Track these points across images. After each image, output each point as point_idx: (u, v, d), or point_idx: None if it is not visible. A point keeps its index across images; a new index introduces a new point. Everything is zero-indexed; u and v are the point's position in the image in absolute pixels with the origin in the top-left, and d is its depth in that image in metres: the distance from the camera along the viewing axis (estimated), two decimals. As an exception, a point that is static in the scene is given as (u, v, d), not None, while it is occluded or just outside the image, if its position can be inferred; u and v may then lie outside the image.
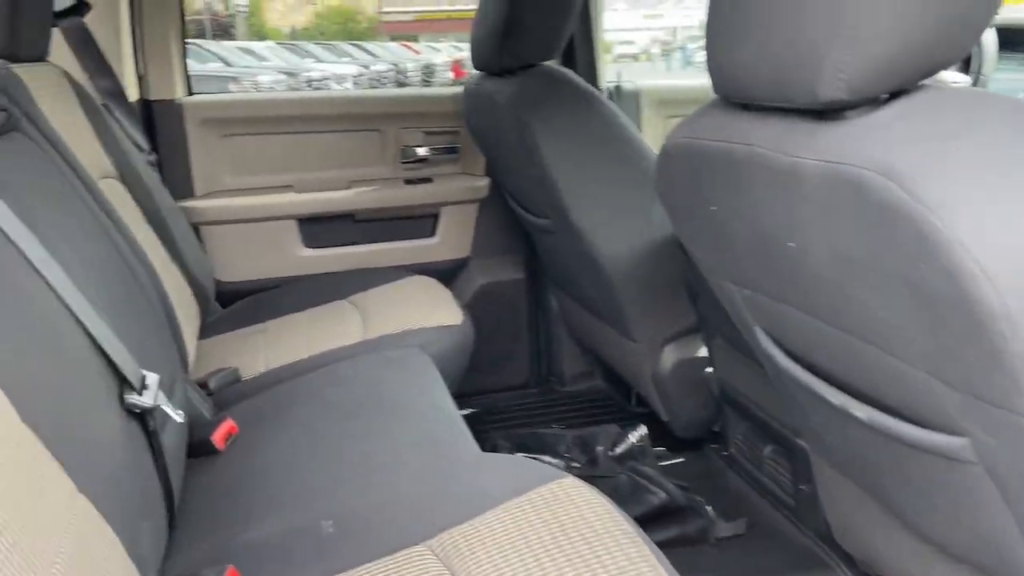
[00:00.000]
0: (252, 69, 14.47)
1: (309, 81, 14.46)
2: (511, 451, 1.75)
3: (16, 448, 0.76)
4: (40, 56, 1.62)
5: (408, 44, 25.74)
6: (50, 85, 1.57)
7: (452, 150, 2.29)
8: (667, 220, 1.25)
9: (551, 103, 1.64)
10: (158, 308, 1.41)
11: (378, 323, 1.77)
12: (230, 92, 11.13)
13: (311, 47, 20.93)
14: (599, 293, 1.81)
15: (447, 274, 2.31)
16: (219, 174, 2.13)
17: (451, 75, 17.35)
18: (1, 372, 0.79)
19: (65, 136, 1.47)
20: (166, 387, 1.27)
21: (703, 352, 1.74)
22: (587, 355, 2.33)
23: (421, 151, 2.25)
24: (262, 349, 1.76)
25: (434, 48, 24.93)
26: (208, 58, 14.74)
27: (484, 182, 2.28)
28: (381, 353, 1.62)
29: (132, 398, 1.02)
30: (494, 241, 2.34)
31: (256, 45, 19.35)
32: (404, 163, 2.26)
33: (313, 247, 2.20)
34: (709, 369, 1.72)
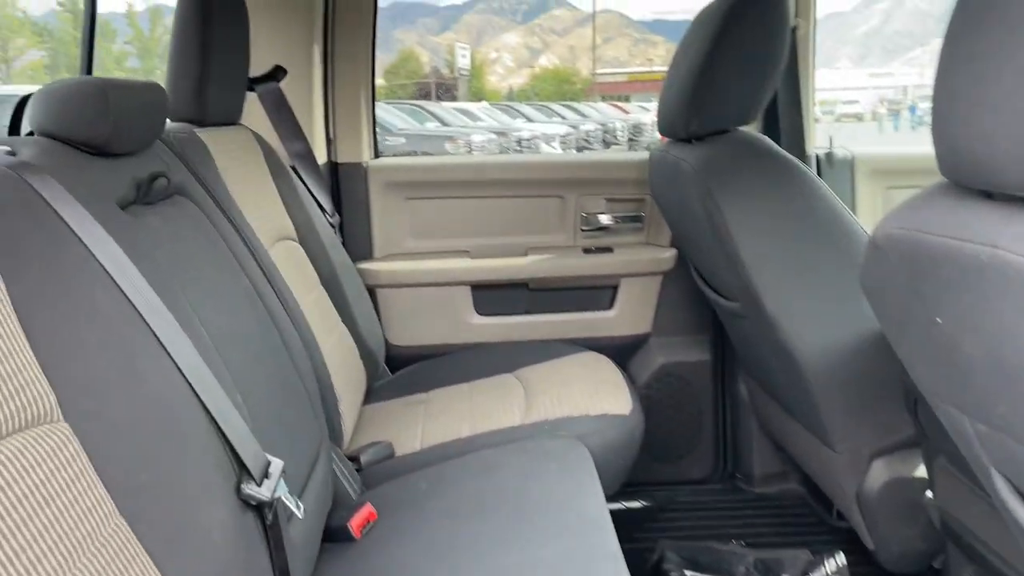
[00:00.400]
0: (467, 129, 15.16)
1: (519, 140, 14.92)
2: (680, 567, 1.53)
3: (106, 544, 0.69)
4: (231, 120, 1.67)
5: (618, 104, 26.10)
6: (237, 147, 1.61)
7: (636, 219, 2.14)
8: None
9: (742, 172, 1.45)
10: (310, 379, 1.36)
11: (541, 404, 1.64)
12: (446, 150, 11.75)
13: (523, 108, 21.70)
14: (795, 391, 1.57)
15: (624, 351, 2.14)
16: (399, 237, 2.11)
17: (660, 135, 17.25)
18: (101, 457, 0.73)
19: (243, 198, 1.49)
20: (303, 467, 1.20)
21: (922, 472, 1.44)
22: (781, 453, 2.06)
23: (603, 219, 2.12)
24: (421, 422, 1.68)
25: (644, 108, 25.07)
26: (427, 118, 15.68)
27: (669, 254, 2.10)
28: (538, 441, 1.48)
29: (250, 488, 0.94)
30: (678, 318, 2.15)
31: (472, 106, 20.35)
32: (584, 231, 2.14)
33: (485, 315, 2.11)
34: (929, 494, 1.42)
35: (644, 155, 2.08)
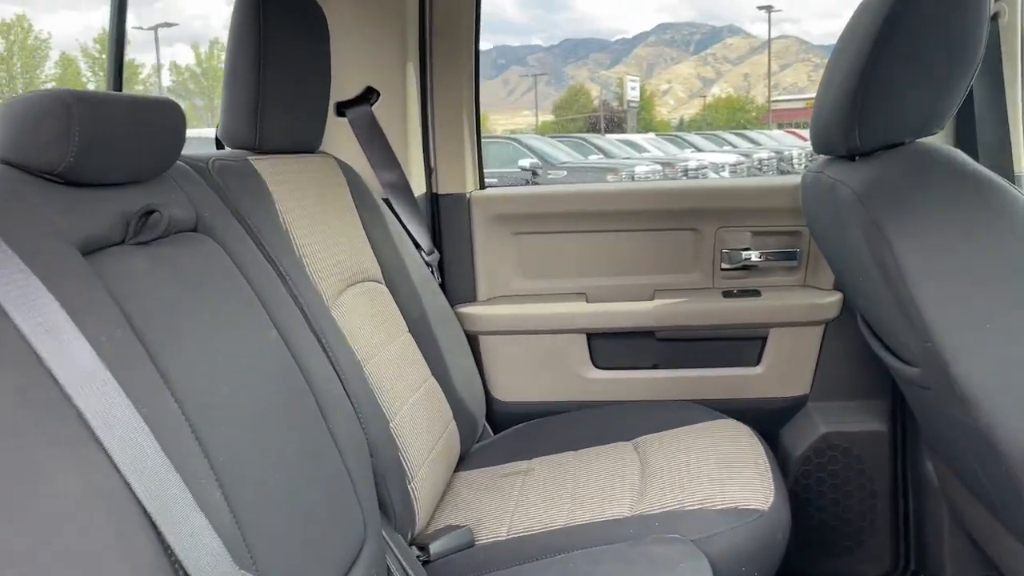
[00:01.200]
0: (631, 160, 14.85)
1: (686, 170, 14.43)
2: None
3: None
4: (308, 147, 1.49)
5: (794, 131, 24.84)
6: (310, 178, 1.42)
7: (790, 255, 1.76)
8: None
9: (922, 197, 1.07)
10: (358, 454, 1.11)
11: (656, 489, 1.32)
12: (607, 181, 11.50)
13: (692, 137, 21.14)
14: (999, 489, 1.15)
15: (774, 417, 1.76)
16: (506, 277, 1.86)
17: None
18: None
19: (308, 234, 1.30)
20: (334, 568, 0.95)
21: None
22: (980, 552, 1.59)
23: (749, 256, 1.76)
24: (515, 499, 1.40)
25: (823, 134, 23.77)
26: (590, 151, 15.53)
27: (833, 299, 1.71)
28: (643, 546, 1.16)
29: None
30: (844, 378, 1.74)
31: (638, 137, 20.04)
32: (725, 270, 1.79)
33: (604, 368, 1.81)
34: None
35: (798, 179, 1.72)
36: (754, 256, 1.76)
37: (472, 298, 1.84)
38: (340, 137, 1.67)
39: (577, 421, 1.69)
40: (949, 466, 1.47)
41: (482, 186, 1.89)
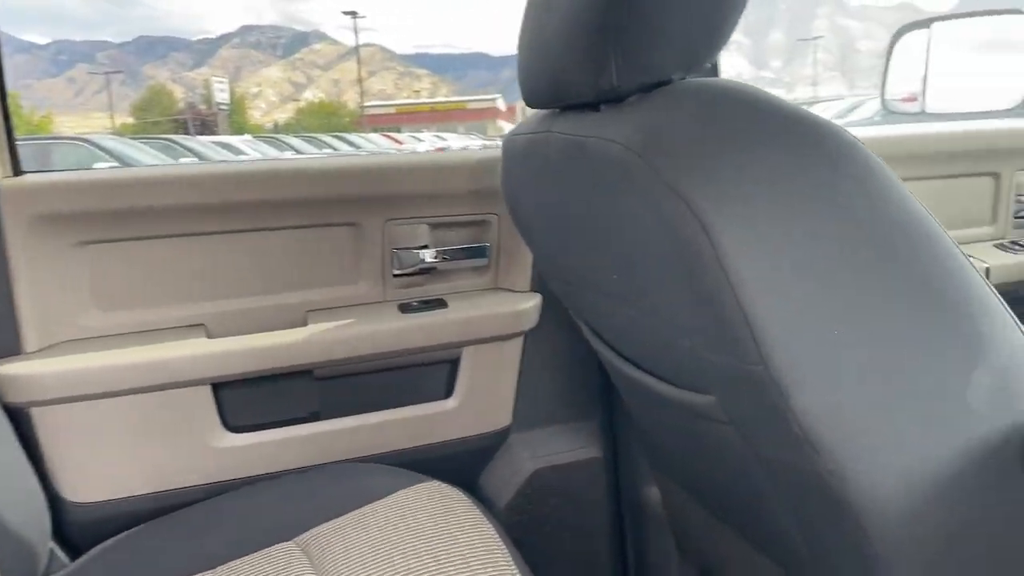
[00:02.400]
0: (228, 163, 13.76)
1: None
2: None
3: None
4: None
5: (390, 135, 25.55)
6: None
7: (478, 252, 1.38)
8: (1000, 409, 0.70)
9: (729, 152, 0.73)
10: None
11: None
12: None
13: (291, 140, 20.52)
14: (822, 543, 0.87)
15: (474, 460, 1.38)
16: (70, 311, 1.20)
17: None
18: None
19: None
20: None
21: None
22: None
23: (425, 255, 1.34)
24: None
25: (417, 138, 24.86)
26: (182, 153, 14.11)
27: (532, 302, 1.37)
28: None
29: None
30: (550, 399, 1.42)
31: (234, 139, 18.82)
32: (399, 276, 1.35)
33: (242, 430, 1.25)
34: None
35: (485, 154, 1.34)
36: (432, 255, 1.34)
37: (14, 349, 1.15)
38: None
39: (208, 519, 1.12)
40: (683, 481, 1.20)
41: (17, 171, 1.21)
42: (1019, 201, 1.66)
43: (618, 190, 0.78)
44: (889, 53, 1.81)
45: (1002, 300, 0.75)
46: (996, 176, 1.65)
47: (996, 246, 1.63)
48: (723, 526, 1.12)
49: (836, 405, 0.71)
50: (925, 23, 1.78)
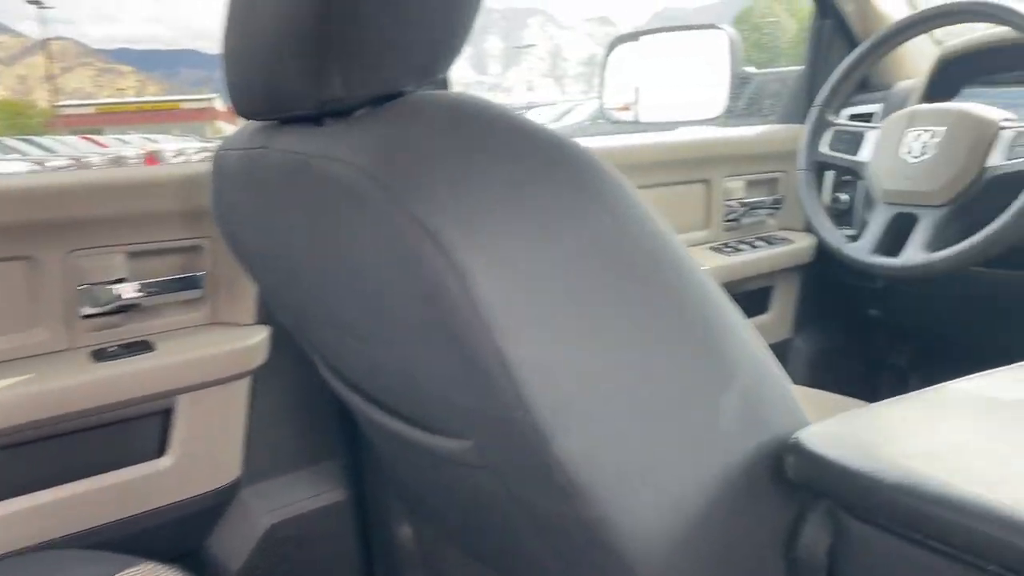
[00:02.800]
0: None
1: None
2: None
3: None
4: None
5: (91, 137, 23.08)
6: None
7: (190, 283, 1.19)
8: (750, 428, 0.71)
9: (476, 173, 0.65)
10: None
11: None
12: None
13: (-34, 144, 17.85)
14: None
15: (199, 523, 1.20)
16: None
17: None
18: None
19: None
20: None
21: None
22: None
23: (123, 290, 1.13)
24: None
25: (123, 140, 22.74)
26: None
27: (260, 336, 1.21)
28: None
29: None
30: (281, 443, 1.28)
31: None
32: (89, 318, 1.12)
33: None
34: None
35: (195, 168, 1.15)
36: (133, 290, 1.14)
37: None
38: None
39: None
40: (436, 520, 1.13)
41: None
42: (728, 205, 1.78)
43: (350, 217, 0.67)
44: (604, 64, 1.87)
45: (739, 310, 0.74)
46: (707, 183, 1.76)
47: (711, 248, 1.73)
48: (481, 565, 1.05)
49: (596, 448, 0.66)
50: (635, 36, 1.85)
